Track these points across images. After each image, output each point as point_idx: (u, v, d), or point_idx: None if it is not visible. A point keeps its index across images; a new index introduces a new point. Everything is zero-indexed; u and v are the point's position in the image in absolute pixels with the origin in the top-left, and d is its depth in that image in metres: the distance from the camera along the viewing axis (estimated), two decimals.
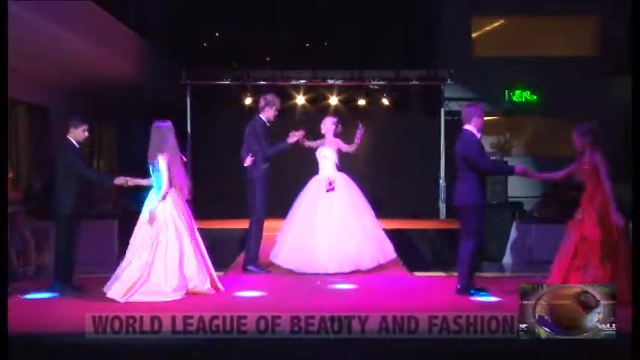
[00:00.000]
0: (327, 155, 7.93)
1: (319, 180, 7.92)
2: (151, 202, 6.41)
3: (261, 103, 7.82)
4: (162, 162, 6.35)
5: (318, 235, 7.60)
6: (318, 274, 7.40)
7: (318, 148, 8.02)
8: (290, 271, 7.60)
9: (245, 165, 7.72)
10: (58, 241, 6.72)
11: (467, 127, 6.42)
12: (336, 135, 8.02)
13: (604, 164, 6.00)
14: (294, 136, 7.71)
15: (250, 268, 7.68)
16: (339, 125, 8.08)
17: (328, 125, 8.02)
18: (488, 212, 7.08)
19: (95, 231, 9.03)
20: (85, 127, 6.69)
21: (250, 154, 7.66)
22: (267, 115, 7.74)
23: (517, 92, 15.52)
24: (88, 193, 6.93)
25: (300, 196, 7.97)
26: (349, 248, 7.55)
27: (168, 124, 6.51)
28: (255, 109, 8.87)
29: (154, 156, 6.40)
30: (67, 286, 6.53)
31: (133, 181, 6.62)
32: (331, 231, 7.59)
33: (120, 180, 6.61)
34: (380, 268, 7.75)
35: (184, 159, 6.66)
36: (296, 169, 8.28)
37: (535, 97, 15.53)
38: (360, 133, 7.93)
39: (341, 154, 8.02)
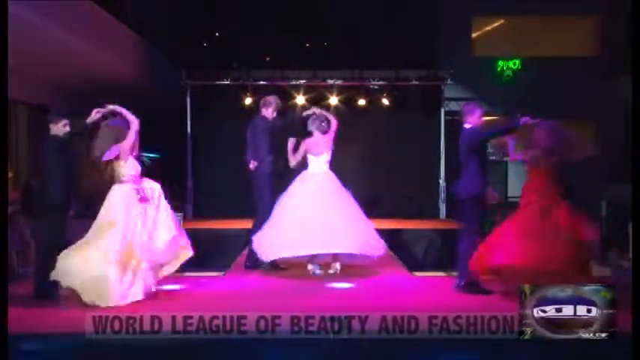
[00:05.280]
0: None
1: (303, 174, 7.75)
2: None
3: (261, 103, 8.13)
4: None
5: (285, 220, 7.36)
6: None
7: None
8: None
9: (250, 167, 7.88)
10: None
11: (466, 125, 6.57)
12: (324, 132, 7.89)
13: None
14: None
15: (249, 264, 7.83)
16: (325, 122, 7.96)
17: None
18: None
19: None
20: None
21: (253, 157, 7.82)
22: (265, 115, 7.97)
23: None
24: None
25: None
26: (319, 232, 7.16)
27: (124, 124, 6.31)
28: (255, 109, 9.01)
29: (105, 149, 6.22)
30: None
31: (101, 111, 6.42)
32: (296, 218, 7.30)
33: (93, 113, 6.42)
34: (380, 268, 7.74)
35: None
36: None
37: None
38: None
39: (334, 153, 7.93)
